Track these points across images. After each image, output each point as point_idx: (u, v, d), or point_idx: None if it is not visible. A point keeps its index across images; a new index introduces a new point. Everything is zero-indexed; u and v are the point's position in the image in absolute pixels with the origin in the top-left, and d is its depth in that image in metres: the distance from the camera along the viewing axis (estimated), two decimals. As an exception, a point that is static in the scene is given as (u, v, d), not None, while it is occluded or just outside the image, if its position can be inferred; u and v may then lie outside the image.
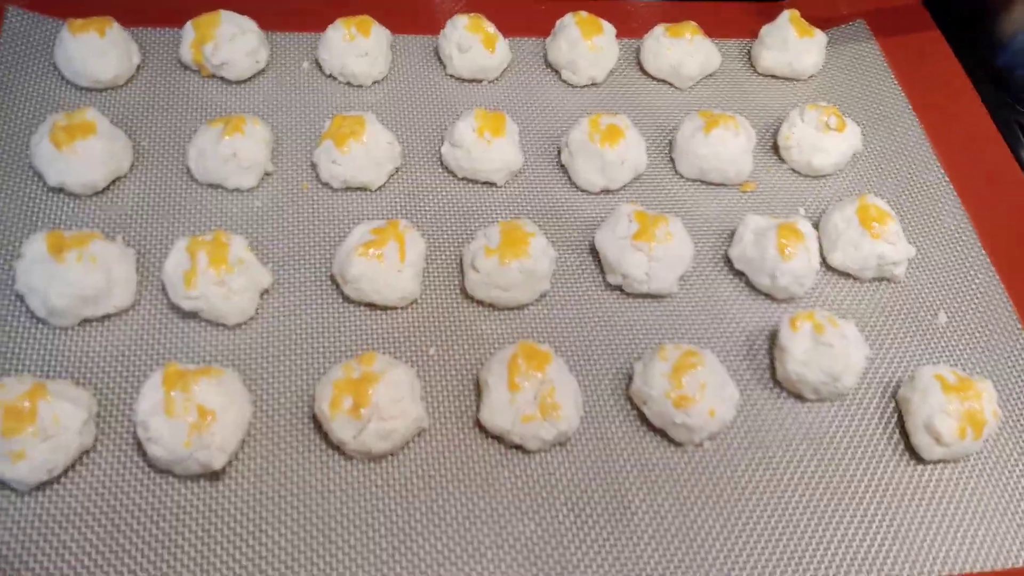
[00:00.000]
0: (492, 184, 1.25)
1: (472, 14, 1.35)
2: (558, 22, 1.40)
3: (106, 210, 1.14)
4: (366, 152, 1.17)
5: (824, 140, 1.30)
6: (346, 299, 1.10)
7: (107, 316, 1.04)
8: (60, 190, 1.13)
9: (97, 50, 1.22)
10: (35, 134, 1.14)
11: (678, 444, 1.04)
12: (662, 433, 1.04)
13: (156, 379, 0.92)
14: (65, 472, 0.93)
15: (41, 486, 0.92)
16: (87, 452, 0.94)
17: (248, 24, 1.29)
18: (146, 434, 0.90)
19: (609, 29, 1.39)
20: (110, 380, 1.00)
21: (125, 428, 0.96)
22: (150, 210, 1.15)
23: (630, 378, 1.07)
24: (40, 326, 1.02)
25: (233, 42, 1.26)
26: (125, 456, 0.95)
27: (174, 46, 1.32)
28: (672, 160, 1.32)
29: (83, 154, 1.10)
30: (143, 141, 1.21)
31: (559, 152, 1.29)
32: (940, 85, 1.49)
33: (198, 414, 0.90)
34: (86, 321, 1.03)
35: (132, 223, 1.13)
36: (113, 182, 1.16)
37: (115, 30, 1.24)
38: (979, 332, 1.19)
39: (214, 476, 0.94)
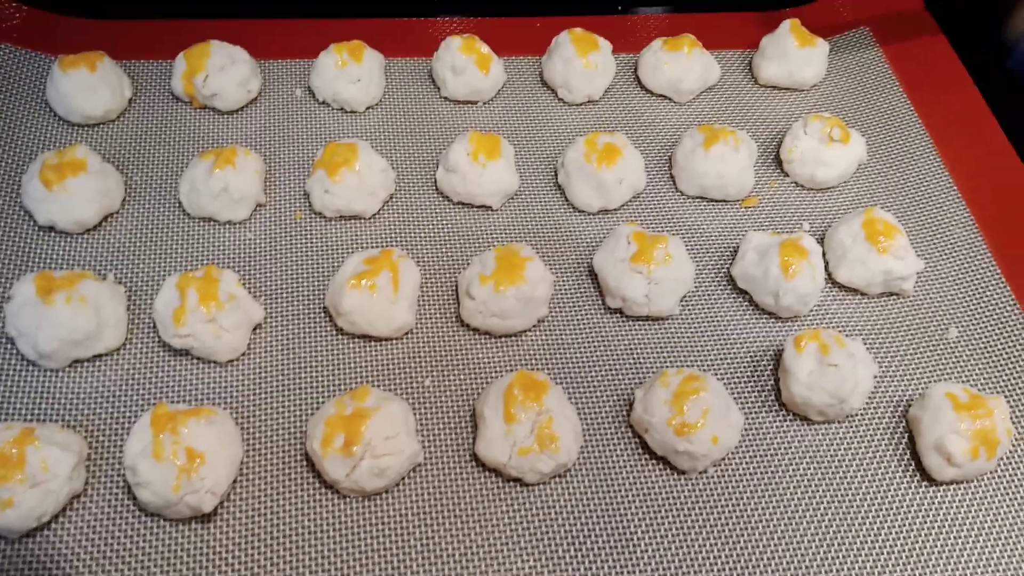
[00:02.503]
0: (488, 208, 1.23)
1: (466, 35, 1.33)
2: (553, 40, 1.38)
3: (97, 247, 1.13)
4: (359, 180, 1.16)
5: (828, 152, 1.27)
6: (340, 331, 1.09)
7: (98, 356, 1.03)
8: (51, 228, 1.13)
9: (88, 86, 1.22)
10: (26, 173, 1.13)
11: (681, 472, 1.01)
12: (665, 461, 1.02)
13: (144, 421, 0.91)
14: (55, 517, 0.92)
15: (30, 532, 0.91)
16: (77, 496, 0.93)
17: (239, 54, 1.28)
18: (135, 478, 0.89)
19: (605, 45, 1.37)
20: (101, 422, 0.99)
21: (116, 471, 0.95)
22: (142, 246, 1.14)
23: (631, 405, 1.05)
24: (31, 368, 1.02)
25: (224, 72, 1.25)
26: (116, 500, 0.94)
27: (166, 78, 1.32)
28: (672, 177, 1.29)
29: (73, 192, 1.10)
30: (135, 176, 1.21)
31: (556, 173, 1.27)
32: (946, 92, 1.45)
33: (187, 457, 0.89)
34: (76, 362, 1.02)
35: (124, 260, 1.12)
36: (105, 218, 1.15)
37: (106, 64, 1.24)
38: (992, 346, 1.15)
39: (205, 518, 0.93)
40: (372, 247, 1.16)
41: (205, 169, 1.14)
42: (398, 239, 1.19)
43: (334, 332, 1.09)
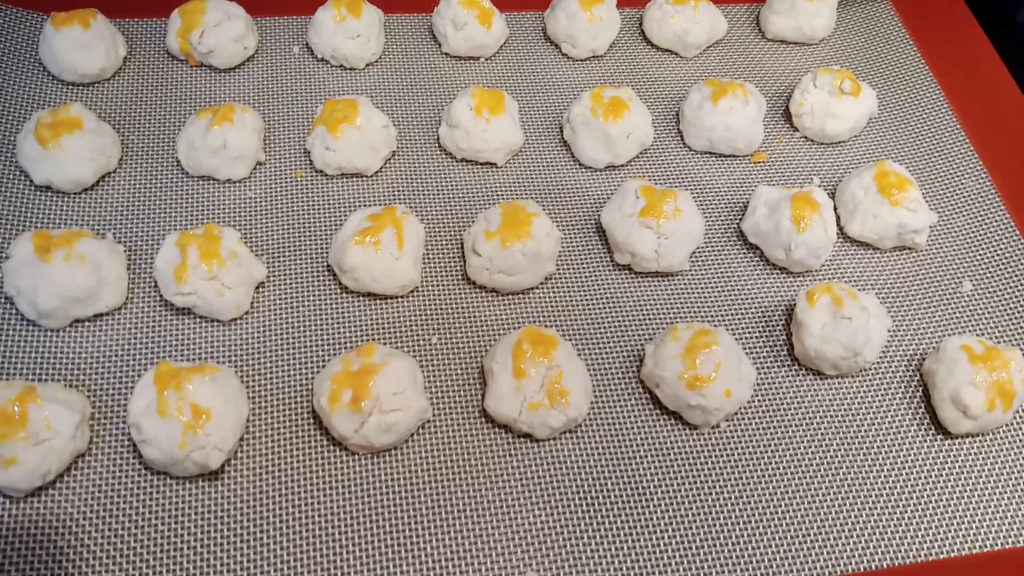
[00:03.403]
0: (492, 164, 1.21)
1: (467, -11, 1.31)
2: (557, -6, 1.36)
3: (95, 207, 1.11)
4: (360, 137, 1.13)
5: (838, 105, 1.24)
6: (344, 289, 1.07)
7: (98, 316, 1.01)
8: (47, 188, 1.11)
9: (81, 43, 1.19)
10: (20, 132, 1.11)
11: (693, 427, 1.00)
12: (676, 416, 1.00)
13: (148, 379, 0.89)
14: (60, 477, 0.90)
15: (35, 491, 0.89)
16: (82, 456, 0.92)
17: (235, 10, 1.25)
18: (140, 436, 0.87)
19: (610, -1, 1.34)
20: (104, 381, 0.97)
21: (120, 430, 0.94)
22: (140, 205, 1.12)
23: (641, 360, 1.04)
24: (31, 328, 1.00)
25: (220, 28, 1.22)
26: (121, 458, 0.92)
27: (161, 36, 1.29)
28: (680, 132, 1.27)
29: (69, 151, 1.08)
30: (131, 135, 1.18)
31: (561, 129, 1.25)
32: (957, 43, 1.43)
33: (192, 413, 0.87)
34: (77, 321, 1.01)
35: (122, 219, 1.10)
36: (102, 178, 1.13)
37: (100, 22, 1.21)
38: (1006, 299, 1.14)
39: (212, 476, 0.92)
40: (375, 205, 1.14)
41: (203, 126, 1.11)
42: (401, 197, 1.16)
43: (338, 290, 1.07)
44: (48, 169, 1.07)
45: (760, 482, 0.97)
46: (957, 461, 1.00)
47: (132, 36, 1.29)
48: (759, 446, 0.99)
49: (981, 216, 1.21)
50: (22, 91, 1.20)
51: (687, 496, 0.95)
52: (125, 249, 1.06)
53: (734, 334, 1.07)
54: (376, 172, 1.18)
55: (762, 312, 1.10)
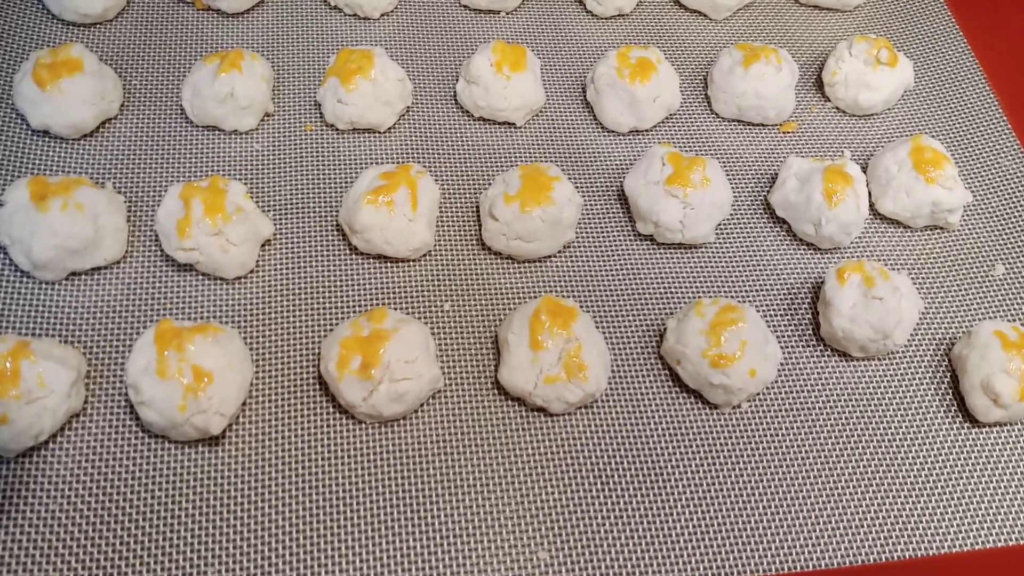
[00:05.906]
0: (511, 124, 1.16)
1: (489, -61, 1.24)
2: (582, -53, 1.30)
3: (95, 154, 1.06)
4: (374, 90, 1.08)
5: (873, 76, 1.19)
6: (354, 250, 1.02)
7: (96, 269, 0.97)
8: (44, 133, 1.06)
9: (84, -20, 1.13)
10: (17, 72, 1.06)
11: (714, 406, 0.96)
12: (697, 395, 0.97)
13: (148, 337, 0.85)
14: (53, 437, 0.87)
15: (27, 452, 0.86)
16: (76, 416, 0.88)
17: (245, -49, 1.19)
18: (138, 397, 0.83)
19: (638, -45, 1.28)
20: (100, 338, 0.93)
21: (117, 390, 0.90)
22: (142, 154, 1.07)
23: (662, 335, 1.00)
24: (24, 280, 0.96)
25: (228, -30, 1.17)
26: (117, 420, 0.88)
27: (166, -24, 1.23)
28: (707, 98, 1.22)
29: (69, 93, 1.03)
30: (134, 80, 1.13)
31: (584, 89, 1.20)
32: (996, 16, 1.38)
33: (193, 376, 0.83)
34: (74, 274, 0.97)
35: (123, 168, 1.06)
36: (102, 124, 1.08)
37: (102, -41, 1.15)
38: (1040, 285, 1.10)
39: (213, 441, 0.88)
40: (387, 162, 1.09)
41: (209, 73, 1.06)
42: (415, 155, 1.12)
43: (348, 251, 1.02)
44: (46, 112, 1.03)
45: (780, 466, 0.93)
46: (984, 450, 0.97)
47: (136, -25, 1.23)
48: (780, 428, 0.96)
49: (1016, 197, 1.17)
50: (20, 30, 1.15)
51: (705, 478, 0.92)
52: (125, 200, 1.02)
53: (758, 311, 1.03)
54: (389, 128, 1.13)
55: (787, 289, 1.06)
